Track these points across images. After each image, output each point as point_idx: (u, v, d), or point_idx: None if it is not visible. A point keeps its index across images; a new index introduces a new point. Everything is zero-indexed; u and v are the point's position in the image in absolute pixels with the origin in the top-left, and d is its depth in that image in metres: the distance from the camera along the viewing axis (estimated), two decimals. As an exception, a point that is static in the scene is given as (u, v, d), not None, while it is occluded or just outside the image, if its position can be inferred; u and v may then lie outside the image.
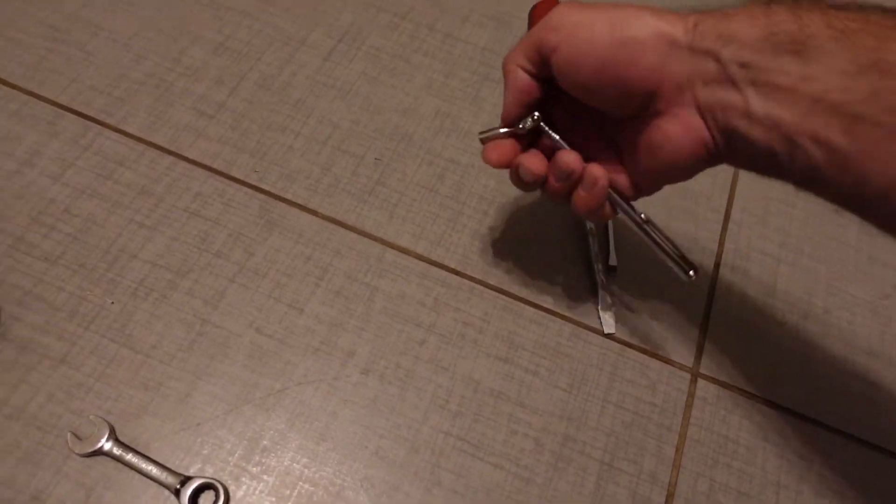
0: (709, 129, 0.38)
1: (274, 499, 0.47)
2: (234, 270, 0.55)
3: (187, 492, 0.46)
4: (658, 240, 0.47)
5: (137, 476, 0.47)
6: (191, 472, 0.47)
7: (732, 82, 0.36)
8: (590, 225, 0.60)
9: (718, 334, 0.58)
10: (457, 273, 0.57)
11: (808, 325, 0.59)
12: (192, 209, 0.57)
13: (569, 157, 0.45)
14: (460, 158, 0.63)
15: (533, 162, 0.46)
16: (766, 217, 0.64)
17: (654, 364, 0.55)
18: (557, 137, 0.47)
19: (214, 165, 0.59)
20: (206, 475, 0.47)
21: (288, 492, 0.48)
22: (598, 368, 0.55)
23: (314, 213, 0.58)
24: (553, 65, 0.41)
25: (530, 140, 0.49)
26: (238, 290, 0.54)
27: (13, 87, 0.61)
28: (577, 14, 0.40)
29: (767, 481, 0.52)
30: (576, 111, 0.46)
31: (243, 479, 0.48)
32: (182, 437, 0.48)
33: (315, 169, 0.61)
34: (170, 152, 0.59)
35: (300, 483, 0.48)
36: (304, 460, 0.49)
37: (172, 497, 0.46)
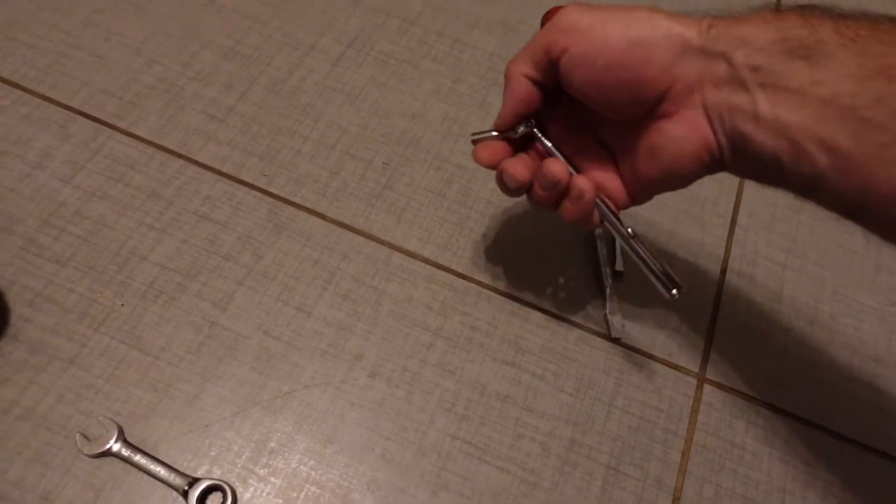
0: (714, 132, 0.38)
1: (281, 501, 0.47)
2: (243, 273, 0.55)
3: (195, 493, 0.46)
4: (643, 255, 0.47)
5: (146, 477, 0.47)
6: (199, 474, 0.47)
7: (742, 85, 0.36)
8: (598, 230, 0.60)
9: (725, 340, 0.58)
10: (464, 277, 0.58)
11: (815, 332, 0.59)
12: (202, 212, 0.57)
13: (555, 167, 0.44)
14: (468, 163, 0.63)
15: (517, 168, 0.46)
16: (772, 223, 0.64)
17: (661, 369, 0.56)
18: (550, 144, 0.47)
19: (224, 169, 0.60)
20: (214, 477, 0.47)
21: (295, 494, 0.48)
22: (605, 373, 0.55)
23: (322, 216, 0.59)
24: (562, 67, 0.41)
25: (523, 142, 0.49)
26: (246, 293, 0.54)
27: (25, 90, 0.61)
28: (588, 15, 0.40)
29: (773, 487, 0.52)
30: (572, 116, 0.46)
31: (251, 480, 0.48)
32: (190, 438, 0.49)
33: (323, 173, 0.61)
34: (180, 156, 0.60)
35: (307, 485, 0.48)
36: (312, 462, 0.49)
37: (180, 498, 0.46)
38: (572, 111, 0.45)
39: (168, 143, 0.60)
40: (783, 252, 0.63)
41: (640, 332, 0.57)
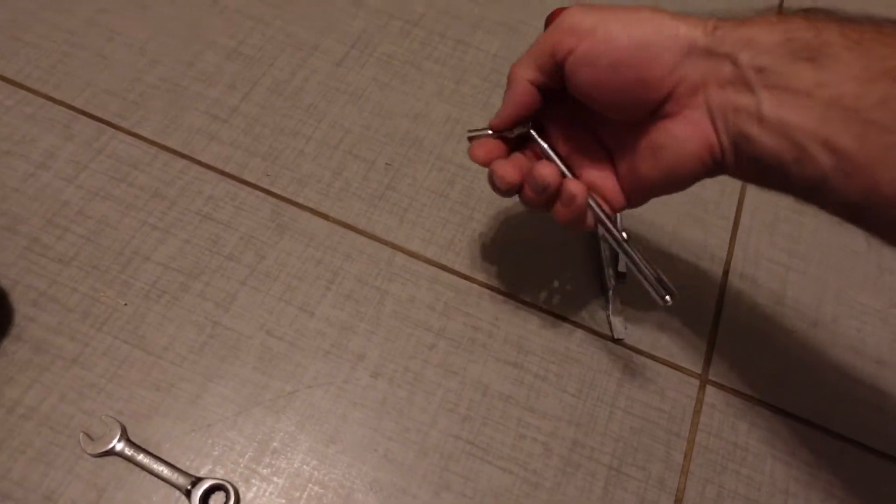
0: (717, 133, 0.38)
1: (284, 501, 0.48)
2: (246, 273, 0.55)
3: (198, 493, 0.46)
4: (636, 260, 0.47)
5: (148, 476, 0.47)
6: (201, 474, 0.47)
7: (747, 86, 0.36)
8: (601, 231, 0.60)
9: (727, 341, 0.58)
10: (466, 278, 0.58)
11: (817, 333, 0.59)
12: (205, 212, 0.57)
13: (545, 171, 0.44)
14: (470, 164, 0.62)
15: (507, 170, 0.45)
16: (775, 224, 0.64)
17: (663, 370, 0.56)
18: (546, 146, 0.47)
19: (227, 169, 0.60)
20: (217, 476, 0.47)
21: (298, 494, 0.48)
22: (607, 374, 0.55)
23: (325, 216, 0.59)
24: (567, 68, 0.41)
25: (519, 141, 0.48)
26: (249, 293, 0.55)
27: (29, 90, 0.61)
28: (593, 16, 0.40)
29: (776, 489, 0.52)
30: (572, 116, 0.46)
31: (253, 480, 0.48)
32: (193, 438, 0.49)
33: (326, 173, 0.61)
34: (183, 156, 0.60)
35: (310, 485, 0.48)
36: (314, 462, 0.49)
37: (183, 498, 0.47)
38: (572, 110, 0.45)
39: (171, 143, 0.61)
40: (786, 254, 0.63)
41: (642, 333, 0.57)
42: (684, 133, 0.39)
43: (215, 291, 0.54)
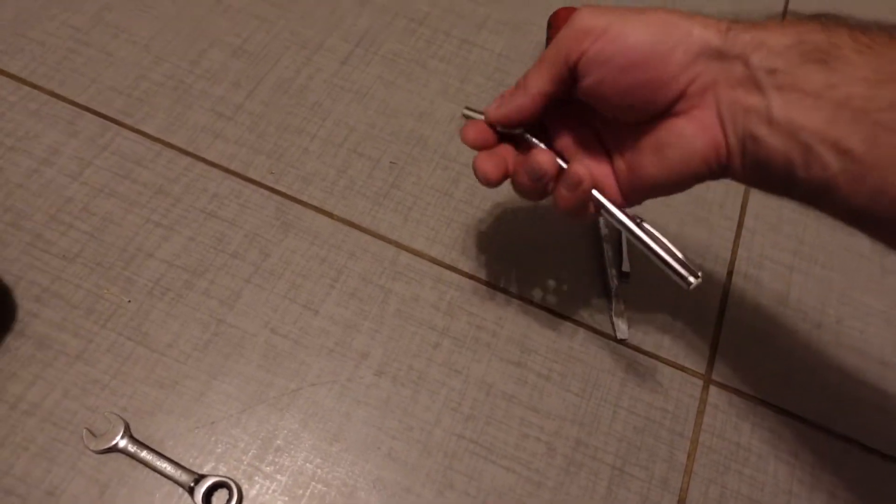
0: (725, 133, 0.38)
1: (287, 498, 0.47)
2: (250, 271, 0.55)
3: (201, 490, 0.46)
4: (651, 244, 0.44)
5: (151, 473, 0.47)
6: (204, 471, 0.47)
7: (758, 87, 0.36)
8: (604, 230, 0.60)
9: (731, 341, 0.58)
10: (470, 277, 0.58)
11: (821, 334, 0.59)
12: (209, 210, 0.57)
13: (542, 158, 0.43)
14: (475, 163, 0.63)
15: (488, 167, 0.45)
16: (779, 225, 0.64)
17: (667, 370, 0.55)
18: (542, 146, 0.46)
19: (231, 167, 0.60)
20: (220, 474, 0.47)
21: (301, 491, 0.48)
22: (611, 374, 0.55)
23: (329, 215, 0.59)
24: (579, 69, 0.40)
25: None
26: (253, 291, 0.55)
27: (34, 86, 0.61)
28: (605, 17, 0.39)
29: (779, 489, 0.52)
30: (569, 112, 0.46)
31: (256, 478, 0.48)
32: (196, 435, 0.49)
33: (331, 171, 0.61)
34: (187, 153, 0.60)
35: (313, 483, 0.48)
36: (317, 460, 0.49)
37: (186, 495, 0.47)
38: (571, 106, 0.45)
39: (176, 141, 0.60)
40: (790, 255, 0.63)
41: (646, 333, 0.57)
42: (691, 132, 0.39)
43: (219, 289, 0.54)
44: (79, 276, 0.53)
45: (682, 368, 0.56)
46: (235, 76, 0.65)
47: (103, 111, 0.61)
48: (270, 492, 0.48)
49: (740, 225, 0.64)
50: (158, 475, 0.47)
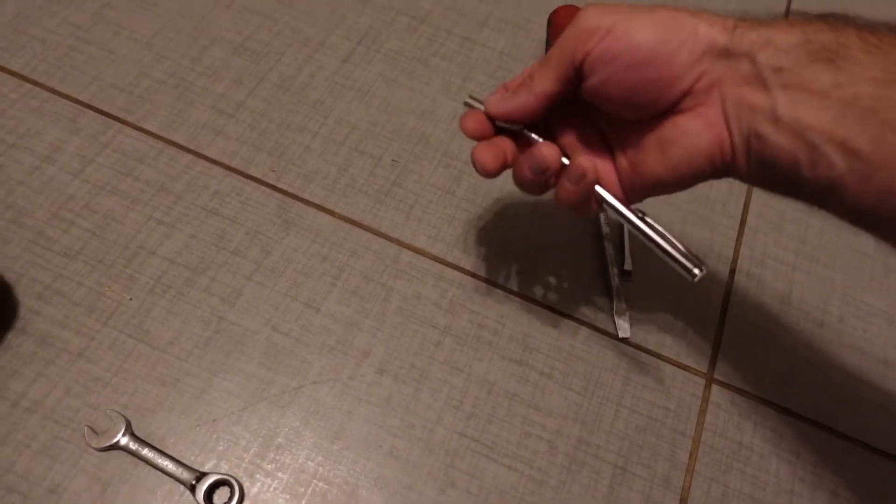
0: (730, 132, 0.38)
1: (288, 496, 0.47)
2: (252, 269, 0.55)
3: (202, 488, 0.46)
4: (655, 238, 0.43)
5: (153, 471, 0.47)
6: (206, 469, 0.47)
7: (764, 85, 0.36)
8: (605, 229, 0.60)
9: (733, 340, 0.57)
10: (472, 275, 0.57)
11: (823, 334, 0.59)
12: (210, 207, 0.57)
13: (547, 151, 0.42)
14: (477, 161, 0.63)
15: (486, 158, 0.44)
16: (782, 224, 0.64)
17: (669, 369, 0.55)
18: (542, 141, 0.45)
19: (233, 164, 0.60)
20: (222, 471, 0.47)
21: (302, 489, 0.48)
22: (613, 372, 0.55)
23: (331, 212, 0.59)
24: (585, 68, 0.40)
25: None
26: (255, 289, 0.54)
27: (36, 83, 0.61)
28: (611, 16, 0.39)
29: (781, 488, 0.52)
30: (571, 109, 0.45)
31: (258, 476, 0.48)
32: (198, 433, 0.49)
33: (332, 169, 0.61)
34: (189, 150, 0.60)
35: (314, 481, 0.48)
36: (319, 458, 0.49)
37: (187, 493, 0.46)
38: (576, 104, 0.44)
39: (177, 138, 0.60)
40: (792, 253, 0.62)
41: (648, 331, 0.57)
42: (696, 129, 0.39)
43: (221, 286, 0.54)
44: (80, 274, 0.53)
45: (685, 367, 0.56)
46: (237, 74, 0.65)
47: (105, 109, 0.61)
48: (272, 490, 0.47)
49: (743, 223, 0.64)
50: (160, 473, 0.47)
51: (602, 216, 0.60)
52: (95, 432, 0.47)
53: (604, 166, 0.45)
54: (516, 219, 0.61)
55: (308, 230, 0.57)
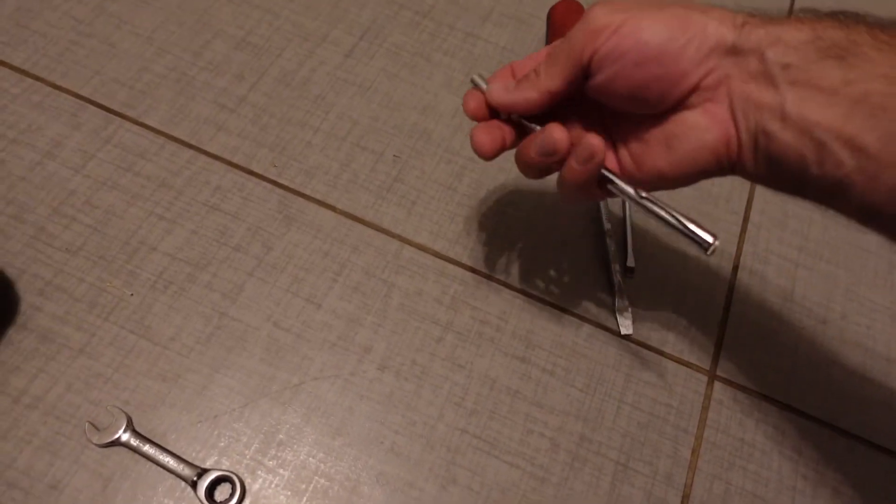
0: (736, 128, 0.38)
1: (289, 493, 0.47)
2: (253, 264, 0.55)
3: (204, 484, 0.46)
4: (663, 214, 0.41)
5: (154, 467, 0.47)
6: (207, 465, 0.47)
7: (772, 82, 0.36)
8: (608, 225, 0.60)
9: (736, 337, 0.57)
10: (474, 271, 0.57)
11: (826, 330, 0.59)
12: (212, 203, 0.57)
13: (558, 134, 0.41)
14: (479, 157, 0.63)
15: (484, 138, 0.44)
16: (785, 220, 0.64)
17: (671, 366, 0.55)
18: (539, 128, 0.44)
19: (234, 159, 0.60)
20: (223, 468, 0.47)
21: (303, 486, 0.48)
22: (615, 369, 0.55)
23: (332, 208, 0.59)
24: (592, 66, 0.40)
25: None
26: (256, 284, 0.54)
27: (37, 78, 0.61)
28: (620, 13, 0.39)
29: (783, 485, 0.52)
30: (573, 102, 0.45)
31: (259, 472, 0.48)
32: (199, 429, 0.49)
33: (334, 165, 0.61)
34: (190, 146, 0.60)
35: (316, 477, 0.48)
36: (320, 455, 0.49)
37: (189, 489, 0.46)
38: (576, 96, 0.44)
39: (178, 133, 0.60)
40: (796, 250, 0.62)
41: (650, 328, 0.57)
42: (703, 125, 0.38)
43: (222, 282, 0.54)
44: (82, 270, 0.53)
45: (687, 364, 0.55)
46: (238, 68, 0.65)
47: (106, 103, 0.61)
48: (273, 486, 0.47)
49: (746, 220, 0.63)
50: (161, 469, 0.47)
51: (604, 214, 0.60)
52: (97, 428, 0.47)
53: (606, 158, 0.44)
54: (518, 215, 0.60)
55: (309, 226, 0.57)
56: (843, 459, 0.53)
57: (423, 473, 0.49)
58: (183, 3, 0.68)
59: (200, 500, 0.46)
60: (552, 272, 0.58)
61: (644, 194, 0.42)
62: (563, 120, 0.45)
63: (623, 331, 0.56)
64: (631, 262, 0.58)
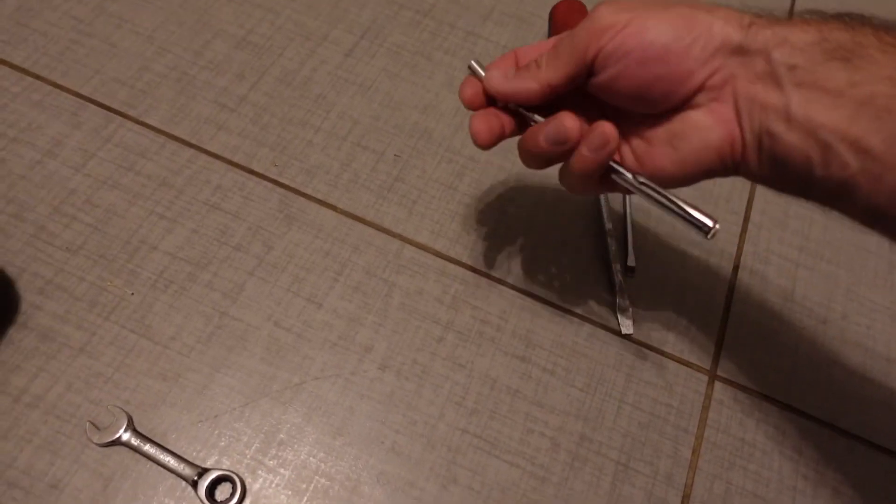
0: (741, 128, 0.38)
1: (290, 492, 0.47)
2: (254, 264, 0.55)
3: (204, 483, 0.46)
4: (662, 198, 0.41)
5: (155, 467, 0.47)
6: (208, 464, 0.47)
7: (777, 83, 0.36)
8: (608, 225, 0.60)
9: (736, 337, 0.57)
10: (475, 271, 0.57)
11: (827, 330, 0.59)
12: (212, 202, 0.57)
13: (570, 123, 0.41)
14: (480, 156, 0.63)
15: (482, 127, 0.43)
16: (785, 220, 0.64)
17: (671, 365, 0.55)
18: (541, 119, 0.44)
19: (235, 159, 0.60)
20: (223, 467, 0.47)
21: (304, 486, 0.48)
22: (615, 369, 0.55)
23: (333, 207, 0.59)
24: (596, 64, 0.39)
25: None
26: (257, 284, 0.54)
27: (37, 77, 0.61)
28: (626, 12, 0.38)
29: (784, 485, 0.52)
30: (576, 98, 0.45)
31: (260, 472, 0.48)
32: (200, 428, 0.49)
33: (335, 164, 0.61)
34: (191, 145, 0.60)
35: (316, 477, 0.48)
36: (321, 454, 0.49)
37: (189, 489, 0.46)
38: (579, 92, 0.44)
39: (179, 133, 0.60)
40: (796, 250, 0.62)
41: (650, 328, 0.57)
42: (707, 124, 0.38)
43: (223, 282, 0.54)
44: (82, 269, 0.53)
45: (688, 364, 0.55)
46: (239, 67, 0.65)
47: (106, 102, 0.61)
48: (274, 486, 0.47)
49: (746, 220, 0.63)
50: (162, 469, 0.47)
51: (605, 213, 0.60)
52: (97, 428, 0.47)
53: None
54: (519, 214, 0.60)
55: (310, 225, 0.57)
56: (844, 459, 0.53)
57: (423, 473, 0.49)
58: (184, 2, 0.68)
59: (201, 500, 0.46)
60: (553, 272, 0.58)
61: (642, 179, 0.41)
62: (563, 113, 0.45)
63: (624, 330, 0.56)
64: (632, 262, 0.58)
